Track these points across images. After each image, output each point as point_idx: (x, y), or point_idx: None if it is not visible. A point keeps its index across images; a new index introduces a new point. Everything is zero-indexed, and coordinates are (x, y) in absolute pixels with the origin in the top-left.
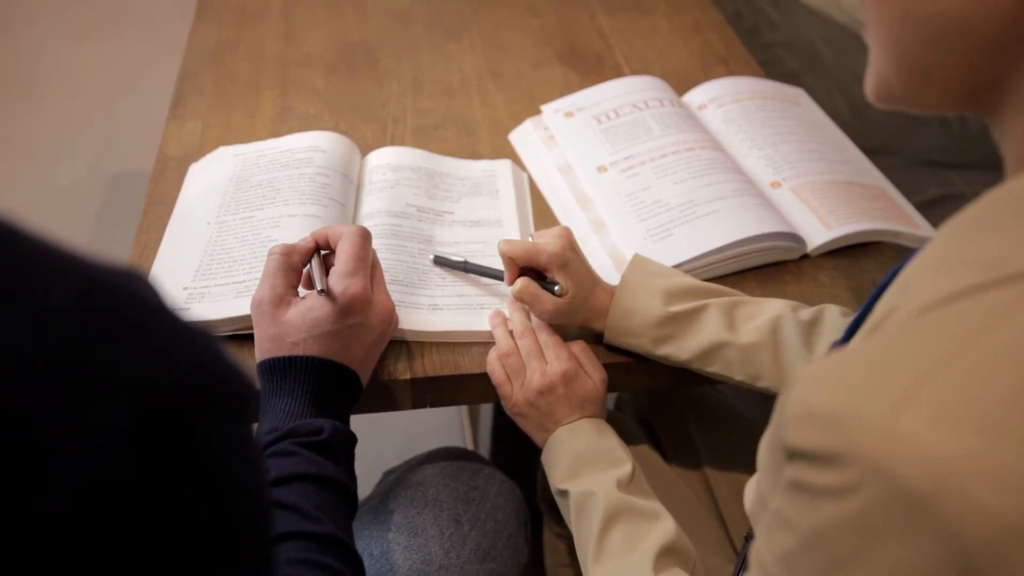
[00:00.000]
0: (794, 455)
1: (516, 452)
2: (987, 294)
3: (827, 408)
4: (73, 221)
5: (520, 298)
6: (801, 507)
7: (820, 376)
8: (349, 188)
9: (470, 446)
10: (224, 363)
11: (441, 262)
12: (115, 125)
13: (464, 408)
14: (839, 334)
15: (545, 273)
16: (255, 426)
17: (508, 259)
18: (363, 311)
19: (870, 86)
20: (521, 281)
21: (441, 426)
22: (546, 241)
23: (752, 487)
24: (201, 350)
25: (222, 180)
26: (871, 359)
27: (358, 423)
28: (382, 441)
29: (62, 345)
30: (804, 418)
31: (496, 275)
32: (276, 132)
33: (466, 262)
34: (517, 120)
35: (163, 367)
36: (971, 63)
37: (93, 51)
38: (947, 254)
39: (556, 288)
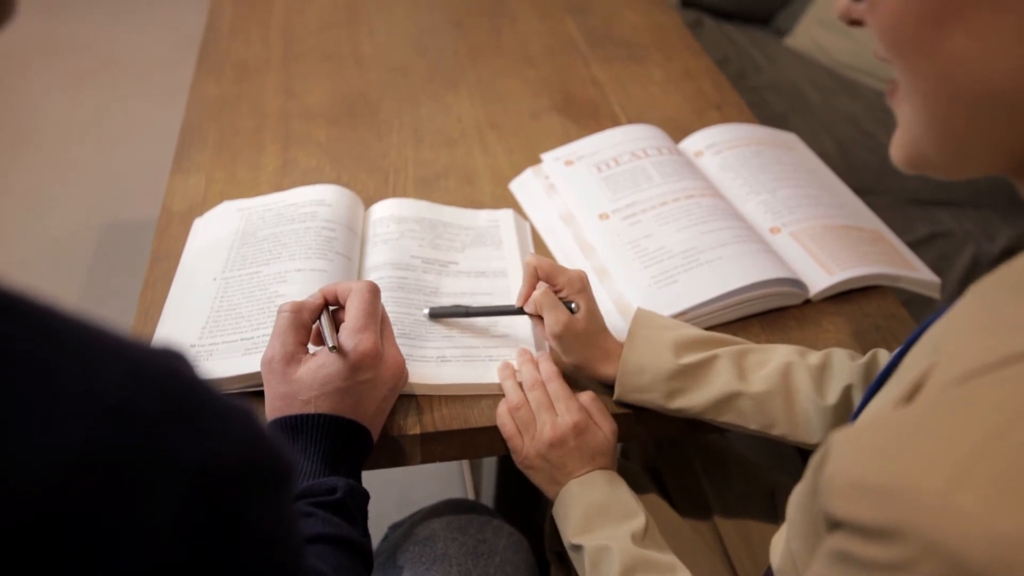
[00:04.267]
0: (839, 525)
1: (520, 501)
2: None
3: (877, 480)
4: (67, 272)
5: (538, 304)
6: None
7: (865, 445)
8: (354, 241)
9: (471, 495)
10: (265, 439)
11: (438, 314)
12: (109, 175)
13: None
14: (849, 378)
15: (560, 295)
16: None
17: (532, 269)
18: (374, 367)
19: (900, 153)
20: (541, 287)
21: (441, 475)
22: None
23: (780, 543)
24: (244, 429)
25: (227, 235)
26: (919, 428)
27: None
28: (381, 491)
29: (117, 436)
30: (852, 489)
31: (503, 311)
32: (279, 185)
33: (467, 307)
34: (517, 169)
35: (213, 451)
36: (1015, 134)
37: (86, 101)
38: (982, 317)
39: (572, 305)
